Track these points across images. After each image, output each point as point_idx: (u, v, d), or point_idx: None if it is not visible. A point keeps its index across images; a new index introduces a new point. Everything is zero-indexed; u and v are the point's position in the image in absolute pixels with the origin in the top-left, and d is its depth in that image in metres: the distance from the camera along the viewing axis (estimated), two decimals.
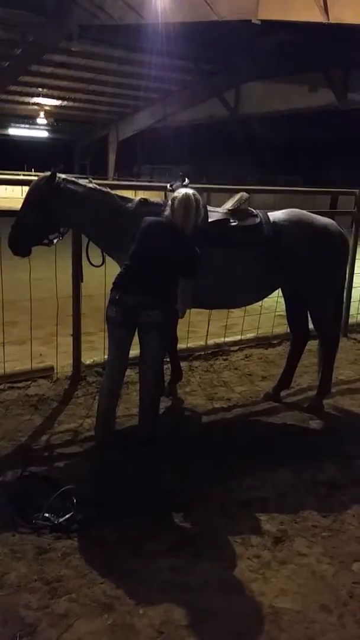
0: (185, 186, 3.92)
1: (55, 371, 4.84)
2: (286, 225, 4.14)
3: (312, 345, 4.78)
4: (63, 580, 2.51)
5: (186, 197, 3.49)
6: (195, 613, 2.37)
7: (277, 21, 12.58)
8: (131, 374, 4.46)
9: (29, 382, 4.63)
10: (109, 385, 3.75)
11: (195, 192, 3.57)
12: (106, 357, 4.99)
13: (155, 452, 3.69)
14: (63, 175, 3.82)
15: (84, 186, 3.85)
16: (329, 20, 10.47)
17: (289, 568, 2.68)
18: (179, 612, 2.38)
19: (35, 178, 3.90)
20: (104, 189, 3.97)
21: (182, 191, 3.53)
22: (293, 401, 4.65)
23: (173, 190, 3.86)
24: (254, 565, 2.68)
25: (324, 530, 2.98)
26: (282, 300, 4.75)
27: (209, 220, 3.92)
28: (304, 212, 4.35)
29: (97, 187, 3.92)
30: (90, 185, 3.89)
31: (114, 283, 3.62)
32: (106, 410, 3.74)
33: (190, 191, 3.53)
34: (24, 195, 3.83)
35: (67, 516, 2.88)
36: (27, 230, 3.79)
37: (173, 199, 3.51)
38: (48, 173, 3.73)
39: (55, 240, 3.98)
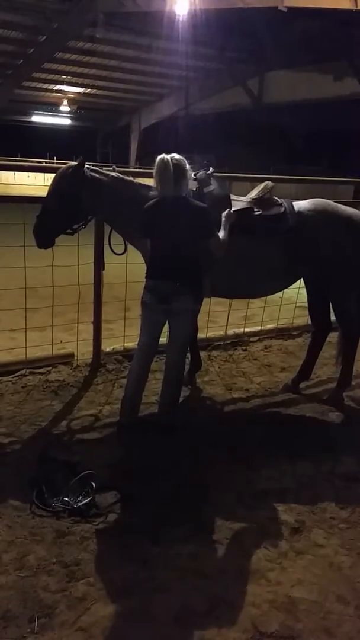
0: (210, 175, 3.91)
1: (75, 358, 4.87)
2: (311, 215, 4.10)
3: (333, 337, 4.74)
4: (81, 563, 2.54)
5: (158, 161, 3.48)
6: (212, 600, 2.39)
7: (304, 8, 12.39)
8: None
9: (50, 368, 4.68)
10: (138, 369, 3.79)
11: (179, 156, 3.53)
12: (125, 344, 5.06)
13: (173, 440, 3.70)
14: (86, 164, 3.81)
15: (108, 175, 3.85)
16: (357, 7, 10.29)
17: (306, 559, 2.68)
18: (195, 598, 2.39)
19: (60, 167, 3.88)
20: (127, 177, 3.96)
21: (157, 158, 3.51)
22: (312, 393, 4.63)
23: (197, 179, 3.85)
24: (271, 555, 2.69)
25: (342, 522, 2.97)
26: (302, 291, 4.71)
27: (233, 209, 3.90)
28: (329, 201, 4.30)
29: (121, 175, 3.91)
30: (114, 174, 3.88)
31: (147, 270, 3.69)
32: (133, 394, 3.78)
33: (165, 156, 3.48)
34: (48, 184, 3.82)
35: (85, 500, 2.91)
36: (53, 220, 3.78)
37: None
38: (74, 162, 3.72)
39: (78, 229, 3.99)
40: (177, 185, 3.48)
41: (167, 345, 3.81)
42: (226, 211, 3.75)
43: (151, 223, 3.57)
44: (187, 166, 3.56)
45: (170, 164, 3.44)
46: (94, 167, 3.86)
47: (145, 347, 3.77)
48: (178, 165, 3.48)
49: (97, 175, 3.78)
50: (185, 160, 3.55)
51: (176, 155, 3.53)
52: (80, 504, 2.90)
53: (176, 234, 3.49)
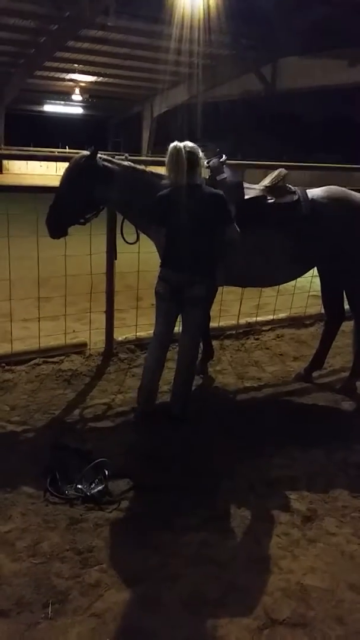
0: (223, 163, 3.88)
1: (88, 347, 4.89)
2: (325, 203, 4.06)
3: (346, 326, 4.71)
4: (94, 550, 2.57)
5: (171, 148, 3.43)
6: (223, 587, 2.40)
7: None
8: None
9: (63, 357, 4.70)
10: (153, 359, 3.80)
11: (192, 144, 3.49)
12: (138, 334, 5.07)
13: (186, 428, 3.71)
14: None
15: (120, 164, 3.83)
16: None
17: (318, 547, 2.69)
18: (207, 585, 2.41)
19: (72, 156, 3.87)
20: (139, 166, 3.94)
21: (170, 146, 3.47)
22: (325, 382, 4.61)
23: (209, 167, 3.83)
24: (282, 543, 2.69)
25: (354, 511, 2.97)
26: (315, 280, 4.69)
27: (246, 197, 3.87)
28: (343, 189, 4.26)
29: (133, 165, 3.90)
30: (126, 163, 3.87)
31: (161, 260, 3.68)
32: (149, 382, 3.79)
33: (178, 144, 3.44)
34: (60, 173, 3.82)
35: (99, 488, 2.94)
36: (66, 210, 3.78)
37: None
38: (87, 152, 3.71)
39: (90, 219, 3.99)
40: (190, 174, 3.46)
41: (180, 334, 3.81)
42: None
43: (165, 211, 3.55)
44: (201, 154, 3.53)
45: (183, 152, 3.41)
46: (106, 157, 3.85)
47: (160, 336, 3.77)
48: (191, 153, 3.45)
49: (109, 165, 3.77)
50: (198, 147, 3.52)
51: (189, 143, 3.50)
52: (93, 491, 2.93)
53: (190, 223, 3.47)
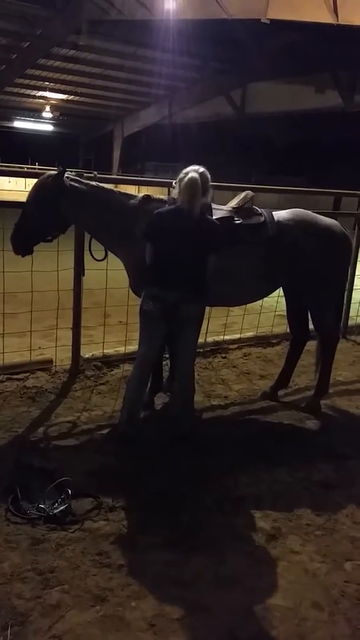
0: None
1: (54, 364, 4.85)
2: (290, 225, 4.14)
3: (311, 345, 4.78)
4: (56, 571, 2.52)
5: (192, 181, 3.41)
6: (187, 607, 2.39)
7: (286, 21, 12.51)
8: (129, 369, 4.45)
9: (28, 374, 4.64)
10: (139, 378, 3.76)
11: (204, 171, 3.50)
12: (105, 351, 5.05)
13: (151, 447, 3.69)
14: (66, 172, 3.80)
15: (88, 184, 3.84)
16: (338, 21, 10.41)
17: (281, 565, 2.69)
18: (171, 605, 2.39)
19: (42, 173, 3.87)
20: (107, 186, 3.95)
21: (188, 174, 3.44)
22: (290, 400, 4.65)
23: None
24: (247, 561, 2.69)
25: (318, 529, 2.99)
26: (282, 299, 4.75)
27: (214, 217, 3.91)
28: (308, 212, 4.35)
29: (100, 184, 3.91)
30: (94, 183, 3.88)
31: (150, 278, 3.58)
32: (133, 403, 3.74)
33: (195, 174, 3.43)
34: (28, 192, 3.80)
35: (61, 507, 2.89)
36: (31, 229, 3.77)
37: (180, 181, 3.46)
38: (54, 171, 3.71)
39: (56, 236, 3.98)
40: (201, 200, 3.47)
41: (177, 354, 3.81)
42: None
43: (161, 229, 3.52)
44: (209, 178, 3.54)
45: (199, 181, 3.41)
46: (73, 177, 3.85)
47: (144, 356, 3.72)
48: (204, 180, 3.46)
49: (76, 185, 3.77)
50: (207, 174, 3.52)
51: (200, 169, 3.50)
52: (56, 511, 2.88)
53: (188, 244, 3.47)
